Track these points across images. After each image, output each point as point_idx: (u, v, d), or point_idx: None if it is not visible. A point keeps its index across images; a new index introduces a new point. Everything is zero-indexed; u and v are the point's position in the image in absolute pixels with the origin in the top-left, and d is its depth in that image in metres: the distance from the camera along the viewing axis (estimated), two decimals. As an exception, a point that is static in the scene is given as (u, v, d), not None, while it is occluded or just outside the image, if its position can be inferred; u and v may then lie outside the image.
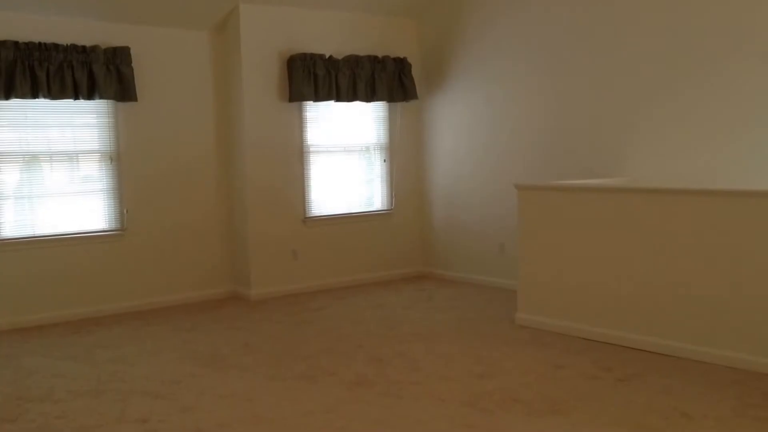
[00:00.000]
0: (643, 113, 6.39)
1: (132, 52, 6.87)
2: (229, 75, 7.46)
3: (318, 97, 7.60)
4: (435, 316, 6.57)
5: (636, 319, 5.30)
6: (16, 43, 6.25)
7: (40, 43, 6.36)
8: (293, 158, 7.69)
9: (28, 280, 6.53)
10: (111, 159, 6.95)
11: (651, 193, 5.30)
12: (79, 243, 6.81)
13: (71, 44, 6.52)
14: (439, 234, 8.46)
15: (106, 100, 6.81)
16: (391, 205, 8.46)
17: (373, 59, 7.96)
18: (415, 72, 8.29)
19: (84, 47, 6.57)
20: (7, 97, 6.26)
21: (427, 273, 8.59)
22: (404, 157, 8.49)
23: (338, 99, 7.74)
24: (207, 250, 7.52)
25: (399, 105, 8.34)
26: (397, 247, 8.47)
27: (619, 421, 3.97)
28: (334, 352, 5.46)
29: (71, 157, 6.76)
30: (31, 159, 6.59)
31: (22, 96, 6.30)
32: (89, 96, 6.62)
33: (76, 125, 6.77)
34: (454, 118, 8.16)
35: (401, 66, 8.16)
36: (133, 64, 6.86)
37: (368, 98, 7.96)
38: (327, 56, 7.65)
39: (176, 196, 7.30)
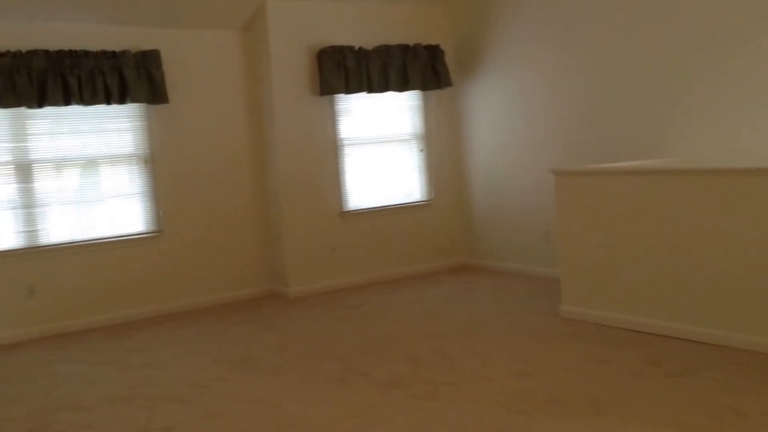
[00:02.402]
0: (686, 91, 6.07)
1: (161, 54, 6.79)
2: (259, 72, 7.34)
3: (349, 90, 7.44)
4: (476, 309, 6.37)
5: (687, 309, 5.01)
6: (46, 52, 6.24)
7: (70, 51, 6.33)
8: (327, 153, 7.55)
9: (67, 286, 6.53)
10: (145, 162, 6.90)
11: (700, 173, 4.98)
12: (117, 246, 6.78)
13: (101, 50, 6.49)
14: (481, 223, 8.23)
15: (137, 104, 6.75)
16: (430, 195, 8.26)
17: (404, 48, 7.76)
18: (448, 59, 8.05)
19: (114, 52, 6.52)
20: (40, 106, 6.25)
21: (470, 264, 8.37)
22: (441, 146, 8.28)
23: (370, 90, 7.56)
24: (244, 248, 7.43)
25: (433, 93, 8.12)
26: (438, 238, 8.27)
27: (665, 421, 3.73)
28: (369, 351, 5.30)
29: (106, 161, 6.73)
30: (67, 165, 6.55)
31: (55, 104, 6.28)
32: (121, 100, 6.58)
33: (110, 130, 6.74)
34: (491, 104, 7.91)
35: (434, 53, 7.94)
36: (163, 67, 6.78)
37: (401, 88, 7.77)
38: (357, 48, 7.48)
39: (212, 195, 7.22)
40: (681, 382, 4.28)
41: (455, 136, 8.36)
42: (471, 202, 8.34)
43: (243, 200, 7.42)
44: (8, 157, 6.28)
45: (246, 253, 7.45)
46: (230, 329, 6.24)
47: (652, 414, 3.83)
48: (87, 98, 6.40)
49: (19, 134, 6.31)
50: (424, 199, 8.26)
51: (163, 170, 6.95)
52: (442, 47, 8.03)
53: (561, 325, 5.63)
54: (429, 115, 8.20)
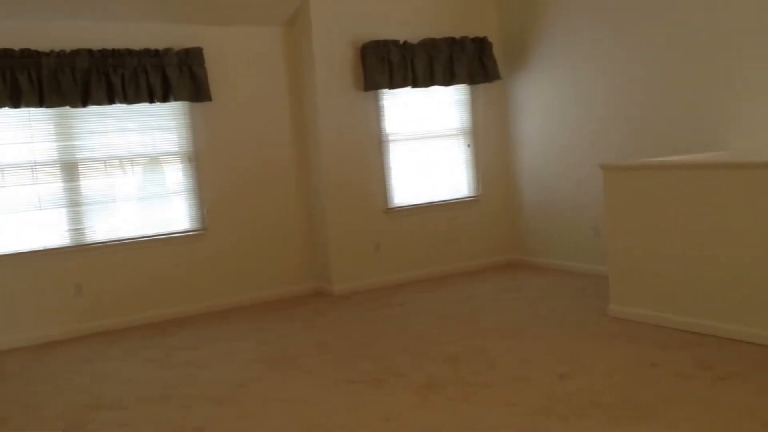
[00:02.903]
0: (743, 82, 5.79)
1: (204, 52, 6.78)
2: (303, 68, 7.28)
3: (393, 85, 7.33)
4: (522, 308, 6.20)
5: (741, 309, 4.78)
6: (90, 51, 6.27)
7: (113, 50, 6.36)
8: (372, 148, 7.46)
9: (113, 284, 6.58)
10: (189, 159, 6.90)
11: (757, 167, 4.72)
12: (162, 244, 6.81)
13: (144, 49, 6.50)
14: (530, 219, 8.04)
15: (181, 102, 6.75)
16: (478, 191, 8.10)
17: (451, 41, 7.61)
18: (497, 51, 7.88)
19: (157, 51, 6.53)
20: (84, 105, 6.30)
21: (519, 261, 8.19)
22: (489, 141, 8.11)
23: (415, 85, 7.44)
24: (289, 246, 7.40)
25: (481, 87, 7.96)
26: (486, 234, 8.11)
27: (712, 429, 3.54)
28: (409, 350, 5.19)
29: (151, 159, 6.75)
30: (112, 164, 6.59)
31: (99, 103, 6.32)
32: (164, 99, 6.59)
33: (154, 128, 6.76)
34: (540, 97, 7.71)
35: (481, 46, 7.77)
36: (206, 64, 6.77)
37: (447, 82, 7.62)
38: (402, 42, 7.36)
39: (256, 193, 7.20)
40: (732, 386, 4.06)
41: (503, 131, 8.18)
42: (519, 198, 8.15)
43: (287, 197, 7.38)
44: (54, 156, 6.34)
45: (290, 250, 7.41)
46: (273, 327, 6.21)
47: (698, 421, 3.63)
48: (130, 97, 6.43)
49: (65, 133, 6.38)
50: (472, 195, 8.10)
51: (207, 168, 6.96)
52: (490, 39, 7.85)
53: (609, 325, 5.43)
54: (476, 109, 8.04)
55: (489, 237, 8.14)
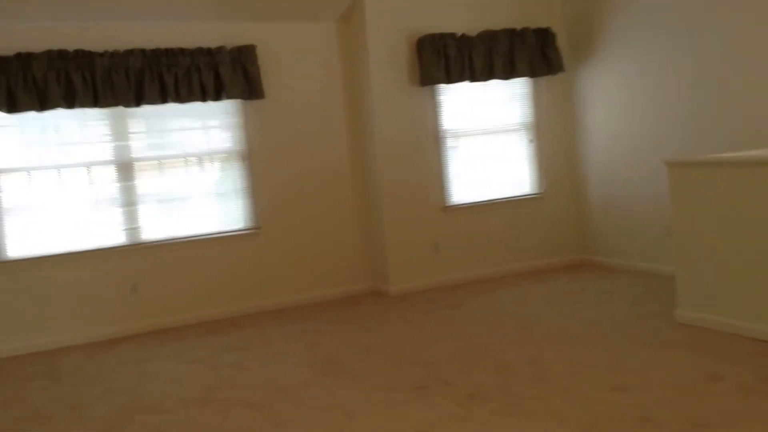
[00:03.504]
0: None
1: (257, 49, 6.71)
2: (357, 64, 7.14)
3: (450, 79, 7.11)
4: (582, 312, 5.91)
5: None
6: (143, 51, 6.27)
7: (166, 49, 6.35)
8: (429, 145, 7.26)
9: (168, 282, 6.60)
10: (242, 158, 6.85)
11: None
12: (217, 243, 6.78)
13: (197, 47, 6.47)
14: (597, 217, 7.71)
15: (234, 100, 6.70)
16: (541, 188, 7.81)
17: (511, 32, 7.34)
18: (560, 42, 7.59)
19: (209, 49, 6.49)
20: (138, 104, 6.31)
21: (586, 261, 7.87)
22: (553, 136, 7.81)
23: (473, 79, 7.21)
24: (344, 245, 7.28)
25: (544, 80, 7.66)
26: (550, 233, 7.82)
27: (776, 451, 3.22)
28: (458, 356, 4.99)
29: (204, 158, 6.72)
30: (166, 163, 6.59)
31: (152, 102, 6.32)
32: (216, 97, 6.55)
33: (208, 127, 6.73)
34: (607, 90, 7.37)
35: (544, 37, 7.48)
36: (258, 62, 6.69)
37: (507, 75, 7.37)
38: (459, 35, 7.13)
39: (310, 191, 7.10)
40: (802, 403, 3.72)
41: (568, 125, 7.86)
42: (586, 195, 7.82)
43: (342, 195, 7.25)
44: (110, 156, 6.37)
45: (346, 249, 7.29)
46: (325, 329, 6.09)
47: (759, 442, 3.33)
48: (183, 96, 6.41)
49: (120, 133, 6.40)
50: (535, 192, 7.82)
51: (260, 166, 6.89)
52: (553, 30, 7.55)
53: (674, 332, 5.11)
54: (539, 103, 7.75)
55: (553, 236, 7.84)
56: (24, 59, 5.88)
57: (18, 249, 6.12)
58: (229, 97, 6.57)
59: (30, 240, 6.15)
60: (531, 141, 7.76)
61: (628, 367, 4.47)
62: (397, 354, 5.20)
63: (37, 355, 6.00)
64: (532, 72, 7.48)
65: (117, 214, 6.44)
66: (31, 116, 6.06)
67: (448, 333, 5.64)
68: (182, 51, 6.40)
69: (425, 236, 7.28)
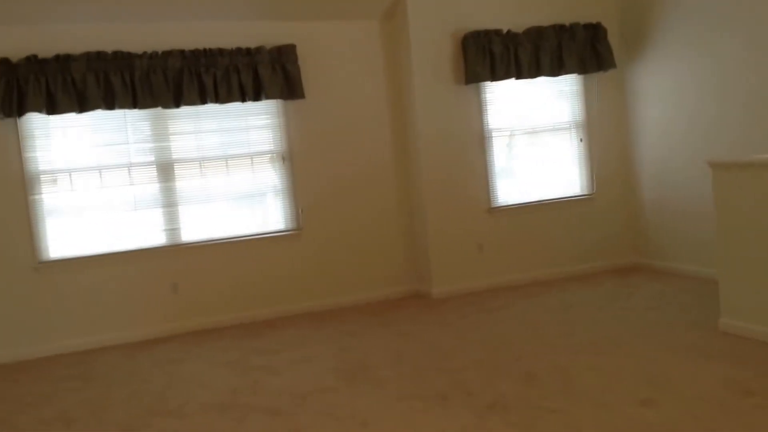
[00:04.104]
0: None
1: (297, 49, 6.66)
2: (400, 63, 7.03)
3: (495, 77, 6.93)
4: (625, 319, 5.66)
5: None
6: (182, 51, 6.29)
7: (205, 50, 6.36)
8: (473, 144, 7.09)
9: (208, 283, 6.61)
10: (283, 158, 6.82)
11: None
12: (257, 244, 6.76)
13: (236, 47, 6.45)
14: (650, 219, 7.40)
15: (274, 100, 6.67)
16: (592, 188, 7.54)
17: (559, 28, 7.11)
18: (612, 37, 7.30)
19: (249, 49, 6.47)
20: (177, 105, 6.33)
21: (637, 264, 7.58)
22: (604, 134, 7.53)
23: (519, 76, 7.00)
24: (386, 246, 7.17)
25: (594, 77, 7.39)
26: (601, 235, 7.55)
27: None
28: (486, 364, 4.83)
29: (245, 159, 6.70)
30: (207, 163, 6.61)
31: (191, 103, 6.33)
32: (256, 98, 6.53)
33: (248, 127, 6.71)
34: (661, 87, 7.07)
35: (594, 32, 7.22)
36: (299, 61, 6.65)
37: (555, 72, 7.13)
38: (505, 31, 6.94)
39: (352, 192, 7.02)
40: None
41: (620, 123, 7.57)
42: (639, 196, 7.52)
43: (385, 196, 7.15)
44: (150, 157, 6.42)
45: (389, 251, 7.18)
46: (360, 332, 6.01)
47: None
48: (222, 96, 6.40)
49: (160, 134, 6.44)
50: (585, 192, 7.55)
51: (301, 167, 6.84)
52: (604, 25, 7.27)
53: (716, 341, 4.83)
54: (590, 100, 7.48)
55: (604, 238, 7.57)
56: (63, 61, 5.97)
57: (59, 250, 6.22)
58: (268, 97, 6.53)
59: (71, 241, 6.24)
60: (581, 140, 7.50)
61: (661, 379, 4.24)
62: (426, 360, 5.07)
63: (76, 355, 6.09)
64: (581, 68, 7.23)
65: (157, 215, 6.47)
66: (72, 118, 6.14)
67: (482, 339, 5.47)
68: (221, 51, 6.39)
69: (469, 238, 7.12)
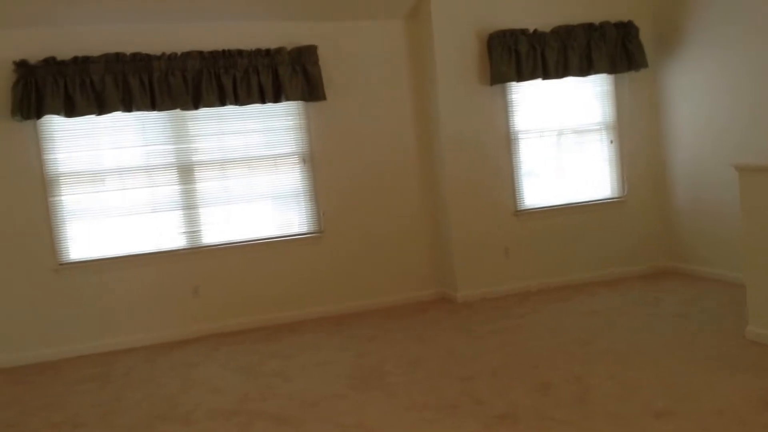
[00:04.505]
0: None
1: (318, 49, 6.59)
2: (424, 63, 6.91)
3: (521, 77, 6.77)
4: (651, 326, 5.47)
5: None
6: (200, 52, 6.26)
7: (224, 51, 6.31)
8: (499, 146, 6.94)
9: (229, 286, 6.57)
10: (304, 160, 6.75)
11: None
12: (278, 247, 6.71)
13: (256, 48, 6.40)
14: (682, 222, 7.17)
15: (295, 102, 6.61)
16: (622, 191, 7.33)
17: (588, 27, 6.92)
18: (644, 36, 7.09)
19: (268, 50, 6.41)
20: (196, 107, 6.30)
21: (669, 269, 7.35)
22: (636, 136, 7.31)
23: (545, 77, 6.83)
24: (411, 250, 7.06)
25: (625, 77, 7.18)
26: (632, 239, 7.33)
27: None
28: (501, 372, 4.69)
29: (266, 161, 6.65)
30: (227, 165, 6.57)
31: (210, 105, 6.29)
32: (276, 99, 6.47)
33: (269, 129, 6.65)
34: (694, 87, 6.84)
35: (625, 31, 7.02)
36: (320, 62, 6.58)
37: (584, 72, 6.94)
38: (531, 30, 6.78)
39: (375, 194, 6.92)
40: None
41: (652, 124, 7.34)
42: (671, 199, 7.29)
43: (408, 198, 7.03)
44: (170, 159, 6.40)
45: (413, 254, 7.07)
46: (380, 337, 5.91)
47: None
48: (241, 98, 6.36)
49: (180, 136, 6.42)
50: (615, 195, 7.35)
51: (323, 169, 6.77)
52: (636, 23, 7.06)
53: (742, 351, 4.62)
54: (620, 101, 7.27)
55: (635, 242, 7.35)
56: (81, 63, 5.98)
57: (80, 252, 6.24)
58: (288, 99, 6.47)
59: (91, 243, 6.26)
60: (611, 141, 7.29)
61: (681, 390, 4.06)
62: (442, 367, 4.94)
63: (95, 357, 6.09)
64: (612, 68, 7.03)
65: (178, 218, 6.46)
66: (91, 119, 6.16)
67: (501, 345, 5.33)
68: (240, 52, 6.35)
69: (495, 241, 6.97)
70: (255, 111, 6.57)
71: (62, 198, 6.18)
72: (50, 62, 5.94)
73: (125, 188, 6.31)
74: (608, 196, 7.33)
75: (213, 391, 4.91)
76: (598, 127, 7.25)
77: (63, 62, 5.96)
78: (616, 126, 7.28)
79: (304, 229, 6.80)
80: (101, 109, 6.02)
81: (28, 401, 5.05)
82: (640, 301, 6.28)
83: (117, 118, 6.21)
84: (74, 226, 6.22)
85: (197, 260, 6.48)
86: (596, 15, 7.00)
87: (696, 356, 4.63)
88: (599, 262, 7.23)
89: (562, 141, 7.15)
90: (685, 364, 4.51)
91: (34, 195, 6.08)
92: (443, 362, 5.06)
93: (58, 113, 5.95)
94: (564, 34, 6.85)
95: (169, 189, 6.42)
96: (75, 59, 5.98)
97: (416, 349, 5.47)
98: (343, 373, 5.03)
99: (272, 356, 5.63)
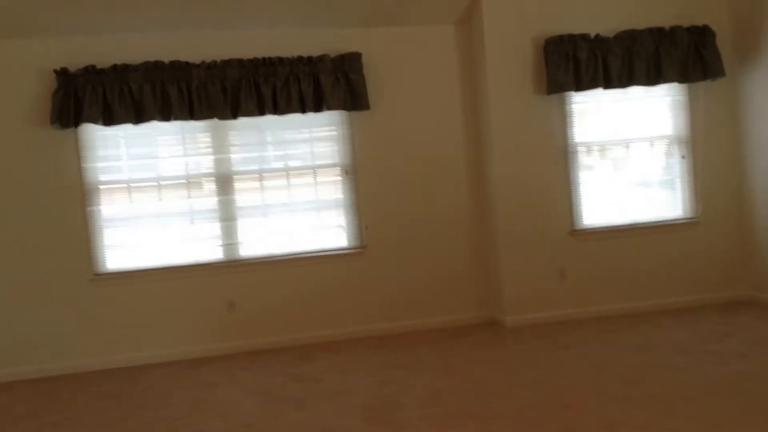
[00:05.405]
0: None
1: (363, 57, 6.30)
2: (476, 71, 6.50)
3: (580, 86, 6.27)
4: (713, 366, 4.88)
5: None
6: (240, 60, 6.07)
7: (264, 59, 6.10)
8: (556, 160, 6.45)
9: (265, 302, 6.35)
10: (347, 172, 6.45)
11: None
12: (318, 262, 6.44)
13: (297, 56, 6.15)
14: (765, 246, 6.47)
15: (337, 111, 6.33)
16: (696, 212, 6.69)
17: (658, 32, 6.36)
18: (721, 42, 6.48)
19: (310, 58, 6.17)
20: (234, 117, 6.11)
21: (748, 298, 6.67)
22: (711, 151, 6.68)
23: (607, 86, 6.31)
24: (459, 268, 6.68)
25: (700, 86, 6.56)
26: (706, 264, 6.69)
27: None
28: (527, 412, 4.24)
29: (307, 171, 6.40)
30: (266, 176, 6.36)
31: (249, 114, 6.09)
32: (316, 108, 6.20)
33: (310, 139, 6.41)
34: (777, 97, 6.16)
35: (700, 36, 6.42)
36: (364, 70, 6.28)
37: (651, 81, 6.38)
38: (593, 35, 6.27)
39: (420, 209, 6.57)
40: None
41: (730, 139, 6.69)
42: (751, 221, 6.61)
43: (455, 214, 6.63)
44: (209, 170, 6.23)
45: (460, 274, 6.66)
46: (411, 363, 5.54)
47: None
48: (281, 107, 6.12)
49: (220, 145, 6.25)
50: (687, 216, 6.72)
51: (366, 181, 6.46)
52: (713, 28, 6.44)
53: (807, 405, 4.01)
54: (694, 113, 6.65)
55: (709, 268, 6.70)
56: (120, 71, 5.88)
57: (116, 262, 6.13)
58: (329, 108, 6.19)
59: (128, 253, 6.14)
60: (683, 157, 6.68)
61: (721, 451, 3.52)
62: (463, 403, 4.53)
63: (120, 371, 5.97)
64: (683, 77, 6.43)
65: (215, 229, 6.27)
66: (131, 128, 6.05)
67: (535, 380, 4.86)
68: (281, 60, 6.12)
69: (549, 263, 6.48)
70: (297, 120, 6.34)
71: (100, 207, 6.08)
72: (90, 70, 5.87)
73: (163, 198, 6.16)
74: (679, 217, 6.71)
75: (219, 416, 4.66)
76: (669, 140, 6.65)
77: (102, 70, 5.88)
78: (689, 140, 6.66)
79: (345, 243, 6.49)
80: (139, 117, 5.91)
81: (44, 415, 4.94)
82: (704, 336, 5.67)
83: (157, 127, 6.10)
84: (111, 236, 6.11)
85: (233, 274, 6.28)
86: (666, 19, 6.43)
87: (750, 409, 4.05)
88: (667, 290, 6.63)
89: (627, 155, 6.59)
90: (734, 418, 3.94)
91: (73, 204, 6.01)
92: (467, 397, 4.64)
93: (95, 122, 5.87)
94: (629, 39, 6.31)
95: (207, 200, 6.25)
96: (114, 67, 5.89)
97: (444, 379, 5.07)
98: (359, 404, 4.69)
99: (296, 379, 5.35)
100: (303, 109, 6.16)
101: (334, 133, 6.42)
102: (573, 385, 4.69)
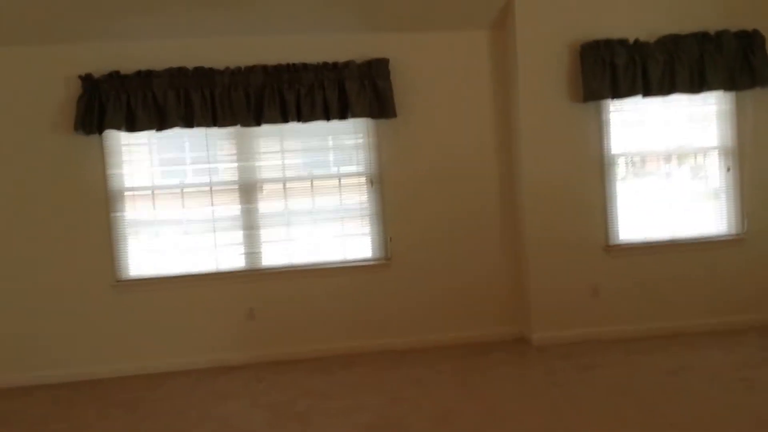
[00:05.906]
0: None
1: (390, 63, 6.13)
2: (508, 78, 6.27)
3: (617, 94, 5.98)
4: (741, 396, 4.56)
5: None
6: (264, 67, 5.98)
7: (288, 65, 5.99)
8: (591, 171, 6.16)
9: (286, 312, 6.24)
10: (372, 181, 6.30)
11: None
12: (341, 273, 6.29)
13: (322, 62, 6.03)
14: (814, 269, 6.07)
15: (362, 119, 6.18)
16: (742, 228, 6.31)
17: (702, 37, 6.02)
18: (770, 47, 6.09)
19: (335, 64, 6.03)
20: (258, 124, 6.02)
21: (796, 322, 6.24)
22: (760, 163, 6.30)
23: (647, 93, 6.00)
24: (486, 282, 6.42)
25: (747, 94, 6.19)
26: (752, 283, 6.30)
27: None
28: (532, 441, 4.01)
29: (331, 180, 6.28)
30: (291, 184, 6.25)
31: (272, 121, 5.99)
32: (341, 116, 6.05)
33: (335, 147, 6.27)
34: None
35: (748, 41, 6.06)
36: (392, 77, 6.12)
37: (695, 89, 6.04)
38: (632, 41, 5.97)
39: (447, 221, 6.36)
40: None
41: (780, 150, 6.29)
42: (801, 239, 6.20)
43: (484, 225, 6.39)
44: (233, 177, 6.15)
45: (487, 288, 6.42)
46: (427, 380, 5.35)
47: None
48: (305, 114, 6.00)
49: (244, 153, 6.16)
50: (732, 232, 6.34)
51: (392, 191, 6.29)
52: (762, 33, 6.07)
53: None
54: (742, 122, 6.28)
55: (756, 287, 6.30)
56: (144, 77, 5.85)
57: (138, 269, 6.11)
58: (354, 115, 6.04)
59: (150, 260, 6.11)
60: (728, 169, 6.31)
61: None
62: (472, 426, 4.33)
63: (140, 379, 5.93)
64: (730, 84, 6.07)
65: (237, 237, 6.19)
66: (155, 134, 6.03)
67: (553, 403, 4.62)
68: (305, 66, 6.00)
69: (582, 279, 6.19)
70: (322, 128, 6.20)
71: (124, 214, 6.07)
72: (114, 76, 5.86)
73: (187, 206, 6.12)
74: (723, 233, 6.34)
75: (222, 430, 4.56)
76: (713, 152, 6.29)
77: (126, 76, 5.86)
78: (735, 151, 6.28)
79: (369, 255, 6.33)
80: (161, 124, 5.87)
81: (55, 424, 4.93)
82: (742, 360, 5.32)
83: (181, 133, 6.04)
84: (134, 243, 6.09)
85: (255, 282, 6.19)
86: (711, 23, 6.08)
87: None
88: (708, 309, 6.26)
89: (668, 167, 6.25)
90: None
91: (97, 210, 6.01)
92: (477, 420, 4.43)
93: (119, 128, 5.85)
94: (671, 44, 5.99)
95: (230, 208, 6.17)
96: (138, 73, 5.87)
97: (456, 399, 4.87)
98: (364, 423, 4.53)
99: (309, 394, 5.22)
100: (327, 117, 6.03)
101: (360, 141, 6.26)
102: (589, 411, 4.45)
